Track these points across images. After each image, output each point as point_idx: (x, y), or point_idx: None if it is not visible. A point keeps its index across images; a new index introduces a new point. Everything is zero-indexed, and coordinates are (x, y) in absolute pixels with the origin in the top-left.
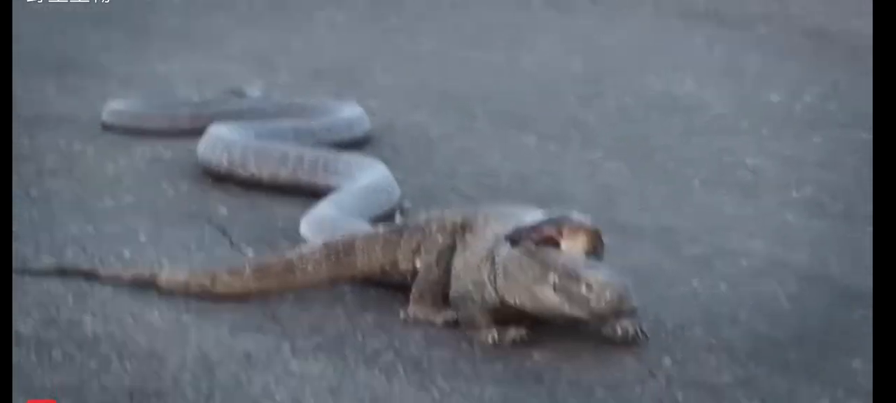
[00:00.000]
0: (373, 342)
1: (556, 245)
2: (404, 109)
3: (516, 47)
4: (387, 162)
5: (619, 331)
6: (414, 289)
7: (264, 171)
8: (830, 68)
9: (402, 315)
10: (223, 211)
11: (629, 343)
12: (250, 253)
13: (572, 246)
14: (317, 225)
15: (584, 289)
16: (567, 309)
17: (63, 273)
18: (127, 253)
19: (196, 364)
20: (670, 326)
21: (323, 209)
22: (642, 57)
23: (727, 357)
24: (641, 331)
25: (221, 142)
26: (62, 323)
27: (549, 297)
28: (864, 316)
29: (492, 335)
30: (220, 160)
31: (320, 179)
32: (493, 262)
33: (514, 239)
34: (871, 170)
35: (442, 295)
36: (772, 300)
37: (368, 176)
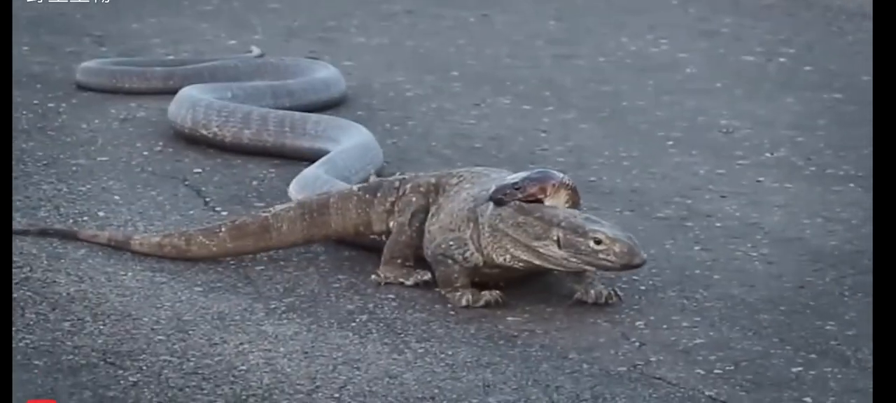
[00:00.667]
0: (346, 303)
1: (540, 202)
2: (379, 70)
3: (490, 7)
4: (362, 122)
5: (593, 294)
6: (385, 251)
7: (226, 132)
8: (804, 29)
9: (374, 277)
10: (197, 171)
11: (602, 305)
12: (224, 213)
13: (555, 203)
14: (304, 187)
15: (592, 244)
16: (573, 263)
17: (44, 233)
18: (101, 213)
19: (169, 324)
20: (643, 288)
21: (312, 170)
22: (616, 17)
23: (700, 319)
24: (615, 294)
25: (188, 101)
26: (35, 282)
27: (552, 253)
28: (836, 278)
29: (466, 297)
30: (185, 120)
31: (288, 141)
32: (476, 222)
33: (499, 198)
34: (843, 131)
35: (414, 257)
36: (745, 262)
37: (349, 137)
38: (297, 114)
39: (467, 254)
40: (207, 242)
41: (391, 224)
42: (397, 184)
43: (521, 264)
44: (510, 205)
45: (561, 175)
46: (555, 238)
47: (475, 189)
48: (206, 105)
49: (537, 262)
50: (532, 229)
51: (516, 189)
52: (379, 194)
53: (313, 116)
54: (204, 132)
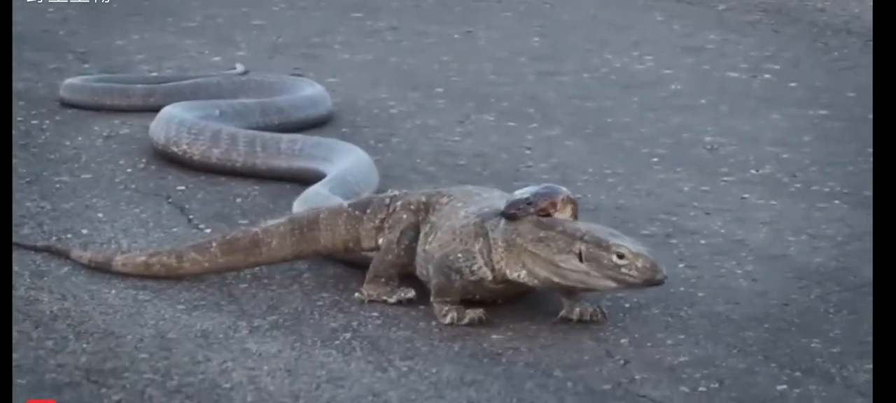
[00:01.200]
0: (330, 321)
1: (550, 216)
2: (363, 86)
3: (474, 23)
4: (346, 140)
5: (578, 311)
6: (371, 268)
7: (195, 150)
8: (789, 46)
9: (357, 294)
10: (181, 188)
11: (587, 323)
12: (208, 230)
13: (563, 217)
14: (306, 204)
15: (614, 258)
16: (594, 278)
17: (48, 250)
18: (85, 231)
19: (153, 342)
20: (628, 306)
21: (316, 189)
22: (601, 33)
23: (685, 336)
24: (600, 311)
25: (164, 118)
26: (18, 300)
27: (574, 267)
28: (821, 295)
29: (451, 314)
30: (159, 137)
31: (260, 161)
32: (486, 237)
33: (513, 213)
34: (828, 148)
35: (398, 276)
36: (730, 279)
37: (336, 154)
38: (268, 134)
39: (475, 267)
40: (199, 258)
41: (380, 240)
42: (388, 201)
43: (536, 281)
44: (527, 221)
45: (565, 189)
46: (577, 251)
47: (472, 206)
48: (178, 122)
49: (556, 279)
50: (555, 243)
51: (529, 204)
52: (368, 211)
53: (286, 136)
54: (174, 149)
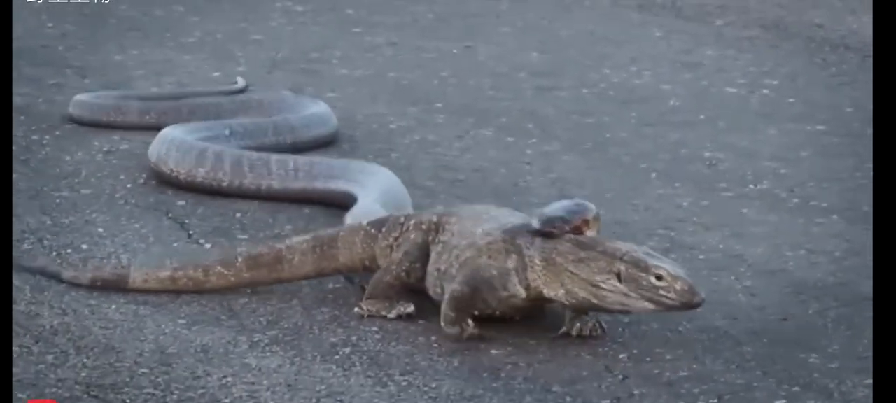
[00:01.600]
0: (329, 336)
1: (582, 234)
2: (362, 102)
3: (473, 38)
4: (346, 155)
5: (577, 326)
6: (370, 285)
7: (181, 169)
8: (787, 61)
9: (357, 309)
10: (181, 203)
11: (586, 338)
12: (208, 245)
13: (592, 234)
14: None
15: (653, 280)
16: (632, 299)
17: (45, 273)
18: (85, 246)
19: (153, 357)
20: (627, 321)
21: (367, 205)
22: (599, 49)
23: (683, 351)
24: (599, 326)
25: (161, 136)
26: (19, 315)
27: (613, 287)
28: (819, 310)
29: (456, 329)
30: (151, 154)
31: (248, 181)
32: (520, 254)
33: (549, 231)
34: (826, 163)
35: (397, 294)
36: (728, 294)
37: (343, 173)
38: (256, 154)
39: (509, 285)
40: (226, 272)
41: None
42: (402, 219)
43: (573, 301)
44: (566, 240)
45: (593, 205)
46: (616, 271)
47: (485, 224)
48: (169, 140)
49: (594, 300)
50: (595, 263)
51: (564, 221)
52: (384, 229)
53: (276, 156)
54: (163, 168)
